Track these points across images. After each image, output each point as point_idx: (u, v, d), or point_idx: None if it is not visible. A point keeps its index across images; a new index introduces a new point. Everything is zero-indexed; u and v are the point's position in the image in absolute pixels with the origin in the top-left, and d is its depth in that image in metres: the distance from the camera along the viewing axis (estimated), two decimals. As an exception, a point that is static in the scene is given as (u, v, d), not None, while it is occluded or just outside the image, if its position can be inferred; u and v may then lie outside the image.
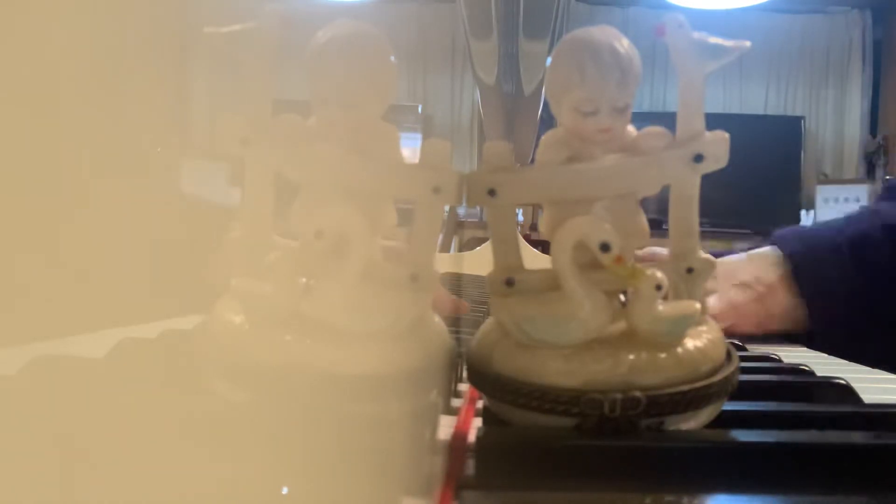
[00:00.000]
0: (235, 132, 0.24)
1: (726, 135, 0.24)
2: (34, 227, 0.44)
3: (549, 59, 0.24)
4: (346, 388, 0.22)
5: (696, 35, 0.24)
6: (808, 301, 0.57)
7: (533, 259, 0.25)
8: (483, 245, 1.29)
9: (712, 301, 0.56)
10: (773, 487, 0.21)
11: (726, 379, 0.23)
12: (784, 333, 0.59)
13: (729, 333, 0.53)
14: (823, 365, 0.45)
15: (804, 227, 0.68)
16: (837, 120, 3.45)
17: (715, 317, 0.48)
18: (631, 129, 0.25)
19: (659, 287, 0.23)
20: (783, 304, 0.58)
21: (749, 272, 0.58)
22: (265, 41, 0.24)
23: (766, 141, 3.13)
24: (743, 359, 0.25)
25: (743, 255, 0.61)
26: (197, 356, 0.24)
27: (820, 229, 0.64)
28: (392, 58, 0.24)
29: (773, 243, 0.61)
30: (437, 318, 0.26)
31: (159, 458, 0.18)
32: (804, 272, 0.58)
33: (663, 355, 0.23)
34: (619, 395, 0.22)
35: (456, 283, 0.80)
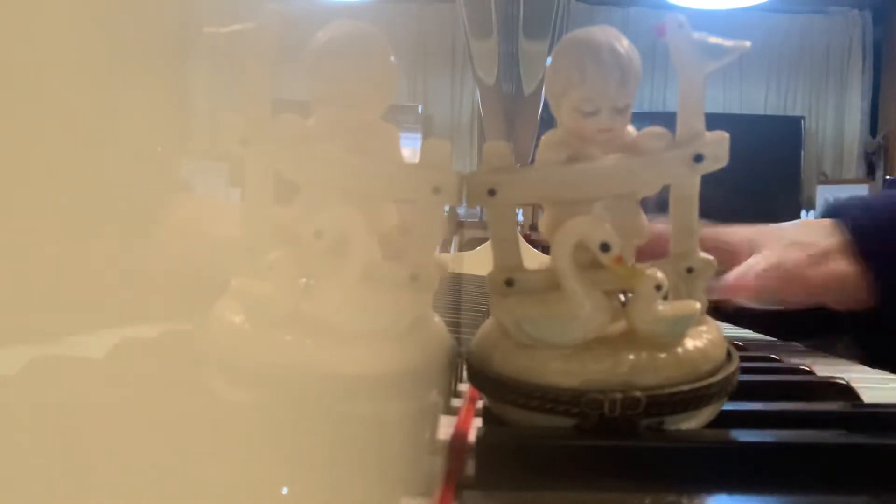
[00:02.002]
0: (235, 132, 0.24)
1: (726, 135, 0.24)
2: (34, 227, 0.44)
3: (549, 59, 0.24)
4: (346, 388, 0.22)
5: (696, 35, 0.24)
6: (876, 270, 0.49)
7: (533, 259, 0.25)
8: (483, 245, 1.29)
9: (757, 259, 0.49)
10: (773, 487, 0.21)
11: (726, 379, 0.23)
12: (836, 306, 0.52)
13: (776, 300, 0.49)
14: (823, 365, 0.45)
15: (860, 196, 0.61)
16: (837, 120, 3.45)
17: (761, 278, 0.46)
18: (631, 129, 0.25)
19: (659, 287, 0.23)
20: (841, 273, 0.49)
21: (803, 235, 0.51)
22: (265, 41, 0.24)
23: (766, 141, 3.13)
24: (743, 359, 0.25)
25: (795, 221, 0.55)
26: (197, 356, 0.24)
27: (879, 198, 0.57)
28: (392, 58, 0.24)
29: (826, 215, 0.54)
30: (436, 318, 0.26)
31: (159, 458, 0.18)
32: (871, 239, 0.50)
33: (663, 355, 0.23)
34: (619, 395, 0.22)
35: (456, 283, 0.80)
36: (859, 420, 0.26)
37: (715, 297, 0.46)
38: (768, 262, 0.49)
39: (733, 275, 0.48)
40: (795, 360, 0.41)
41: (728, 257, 0.50)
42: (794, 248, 0.50)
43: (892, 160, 3.28)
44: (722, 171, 0.24)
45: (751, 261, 0.49)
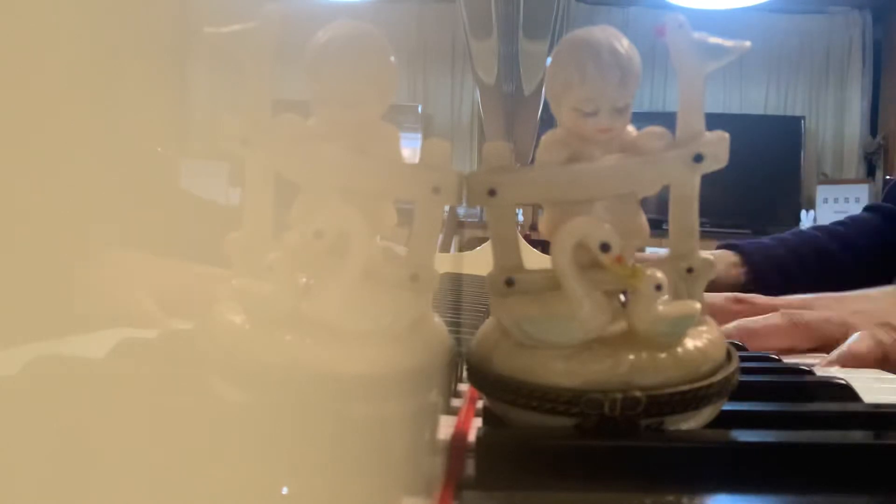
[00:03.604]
0: (235, 132, 0.24)
1: (726, 135, 0.24)
2: (34, 227, 0.44)
3: (549, 59, 0.24)
4: (346, 387, 0.22)
5: (696, 35, 0.24)
6: None
7: (533, 259, 0.25)
8: (483, 245, 1.29)
9: (856, 337, 0.50)
10: (773, 487, 0.21)
11: (726, 379, 0.23)
12: None
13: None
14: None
15: None
16: (837, 120, 3.45)
17: (864, 355, 0.47)
18: (631, 129, 0.25)
19: (659, 287, 0.23)
20: None
21: (892, 312, 0.54)
22: (265, 41, 0.24)
23: (766, 141, 3.13)
24: (743, 359, 0.25)
25: (876, 291, 0.57)
26: (197, 356, 0.24)
27: None
28: (392, 58, 0.24)
29: None
30: (436, 318, 0.26)
31: (159, 458, 0.18)
32: None
33: (663, 355, 0.23)
34: (619, 395, 0.22)
35: (456, 283, 0.80)
36: (859, 420, 0.26)
37: None
38: (866, 344, 0.50)
39: (833, 358, 0.48)
40: (795, 360, 0.41)
41: (828, 343, 0.51)
42: (883, 330, 0.52)
43: (892, 160, 3.28)
44: (722, 171, 0.24)
45: (850, 340, 0.49)
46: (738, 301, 0.57)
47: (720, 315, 0.54)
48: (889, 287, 0.58)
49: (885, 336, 0.51)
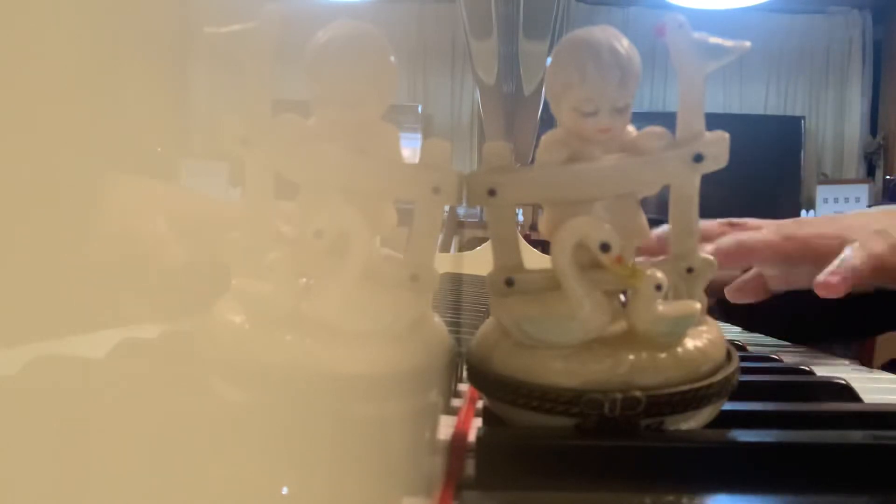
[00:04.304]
0: (235, 132, 0.24)
1: (726, 135, 0.24)
2: (35, 227, 0.44)
3: (549, 59, 0.24)
4: (346, 387, 0.22)
5: (696, 35, 0.24)
6: None
7: (533, 259, 0.25)
8: (483, 245, 1.29)
9: (849, 252, 0.50)
10: (773, 487, 0.21)
11: (726, 379, 0.23)
12: None
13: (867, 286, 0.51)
14: (823, 365, 0.45)
15: None
16: (837, 120, 3.45)
17: (859, 268, 0.48)
18: (631, 129, 0.25)
19: (659, 287, 0.23)
20: None
21: (885, 222, 0.54)
22: (265, 41, 0.24)
23: (766, 141, 3.14)
24: (743, 359, 0.25)
25: (873, 208, 0.58)
26: (197, 356, 0.24)
27: None
28: (392, 58, 0.24)
29: None
30: (436, 318, 0.26)
31: (159, 458, 0.18)
32: None
33: (663, 355, 0.23)
34: (619, 395, 0.22)
35: (456, 283, 0.80)
36: (859, 420, 0.26)
37: (823, 294, 0.48)
38: (862, 255, 0.50)
39: (831, 270, 0.48)
40: (795, 360, 0.41)
41: (823, 257, 0.51)
42: (881, 236, 0.52)
43: (892, 160, 3.28)
44: (722, 171, 0.24)
45: (844, 254, 0.50)
46: (731, 225, 0.57)
47: (713, 240, 0.54)
48: (884, 205, 0.58)
49: (879, 246, 0.51)
